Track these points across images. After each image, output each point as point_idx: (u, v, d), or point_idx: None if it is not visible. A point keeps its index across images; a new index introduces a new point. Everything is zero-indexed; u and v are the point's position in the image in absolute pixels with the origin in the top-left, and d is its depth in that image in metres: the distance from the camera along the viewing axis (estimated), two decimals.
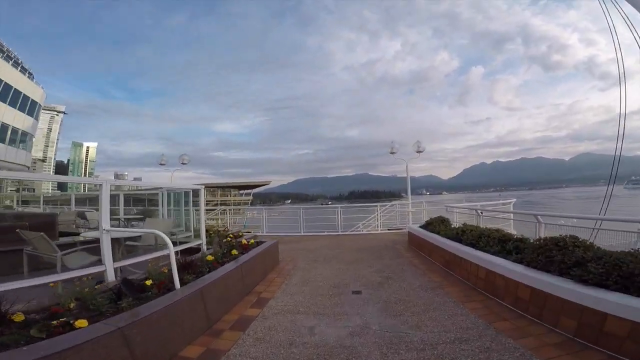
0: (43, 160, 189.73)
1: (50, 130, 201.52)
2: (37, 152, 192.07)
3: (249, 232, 11.03)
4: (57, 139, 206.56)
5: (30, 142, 35.44)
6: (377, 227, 12.22)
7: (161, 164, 15.36)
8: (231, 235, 8.12)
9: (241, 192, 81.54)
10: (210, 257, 5.30)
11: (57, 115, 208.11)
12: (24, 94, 30.75)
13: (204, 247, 6.82)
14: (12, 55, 30.51)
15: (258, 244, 7.34)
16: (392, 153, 13.46)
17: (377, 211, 12.35)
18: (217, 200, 77.25)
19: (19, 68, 31.00)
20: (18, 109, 30.47)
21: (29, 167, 39.31)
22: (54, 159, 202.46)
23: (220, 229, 9.52)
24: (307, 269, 6.96)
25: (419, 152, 13.35)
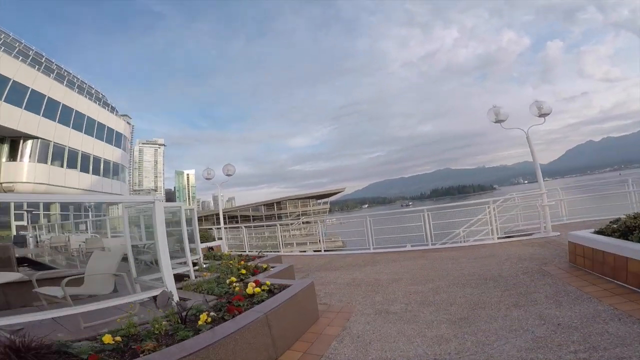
0: (155, 190, 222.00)
1: (156, 162, 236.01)
2: (149, 183, 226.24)
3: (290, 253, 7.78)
4: (163, 170, 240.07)
5: (123, 174, 38.87)
6: (491, 232, 7.73)
7: (207, 179, 13.32)
8: (243, 271, 5.05)
9: (319, 201, 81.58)
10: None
11: (159, 147, 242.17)
12: (108, 127, 33.66)
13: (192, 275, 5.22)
14: (92, 92, 33.41)
15: (279, 289, 3.98)
16: (498, 122, 8.86)
17: (490, 210, 7.76)
18: (299, 211, 78.51)
19: (101, 103, 33.86)
20: (105, 142, 33.42)
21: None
22: (163, 187, 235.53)
23: (230, 258, 6.60)
24: (370, 337, 3.28)
25: (543, 115, 8.51)
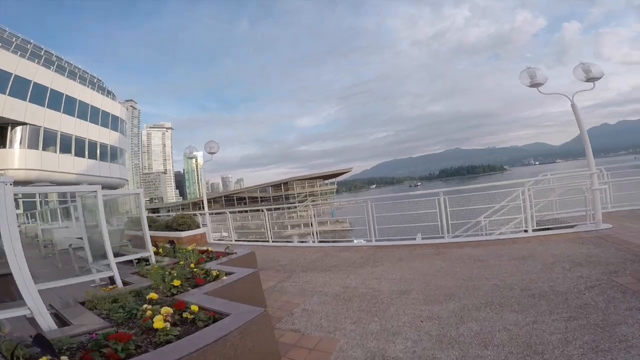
0: (165, 173, 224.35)
1: (164, 145, 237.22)
2: (158, 166, 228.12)
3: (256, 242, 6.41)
4: (172, 152, 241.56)
5: (122, 157, 37.84)
6: (524, 223, 6.11)
7: (190, 158, 11.96)
8: (176, 282, 3.62)
9: (325, 181, 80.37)
10: None
11: (167, 131, 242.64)
12: (102, 110, 32.34)
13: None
14: (86, 77, 31.99)
15: (207, 321, 2.53)
16: (534, 86, 7.07)
17: (524, 194, 6.01)
18: (306, 192, 77.46)
19: (95, 87, 32.46)
20: (101, 125, 32.20)
21: (127, 181, 42.75)
22: (172, 170, 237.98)
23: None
24: None
25: (591, 79, 6.73)
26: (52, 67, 26.92)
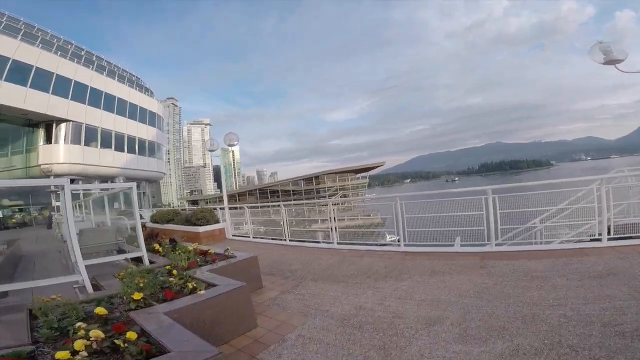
0: (204, 167, 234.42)
1: (204, 140, 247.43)
2: (198, 161, 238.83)
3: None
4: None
5: (160, 152, 39.21)
6: (597, 228, 4.75)
7: (211, 151, 11.53)
8: (137, 295, 2.87)
9: (357, 175, 78.97)
10: None
11: (206, 127, 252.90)
12: (140, 107, 33.51)
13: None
14: (125, 75, 33.28)
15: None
16: (609, 63, 5.64)
17: (598, 193, 4.56)
18: (337, 186, 76.75)
19: (134, 85, 33.68)
20: (139, 121, 33.42)
21: (164, 174, 44.41)
22: (211, 164, 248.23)
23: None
24: None
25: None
26: (91, 67, 28.13)
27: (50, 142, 25.05)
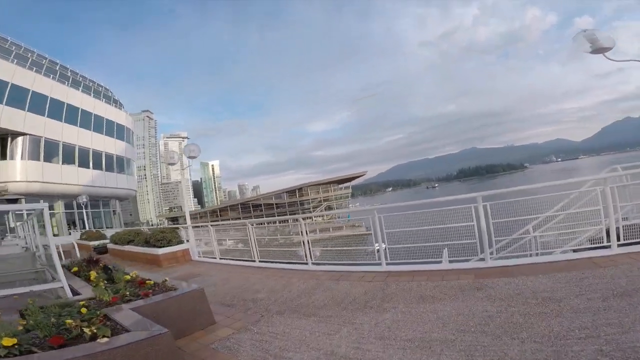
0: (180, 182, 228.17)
1: (181, 155, 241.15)
2: (176, 176, 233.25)
3: None
4: (189, 162, 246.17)
5: (129, 167, 37.13)
6: (605, 235, 4.13)
7: (170, 164, 10.50)
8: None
9: (340, 186, 78.65)
10: None
11: (183, 140, 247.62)
12: (107, 119, 31.67)
13: None
14: (91, 85, 31.58)
15: None
16: (597, 52, 5.17)
17: (602, 191, 3.91)
18: (320, 197, 75.97)
19: (101, 96, 31.96)
20: (105, 135, 31.54)
21: (135, 191, 42.09)
22: (190, 179, 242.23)
23: None
24: None
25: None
26: (52, 76, 26.38)
27: (5, 158, 23.02)
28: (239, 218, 79.33)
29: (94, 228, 29.63)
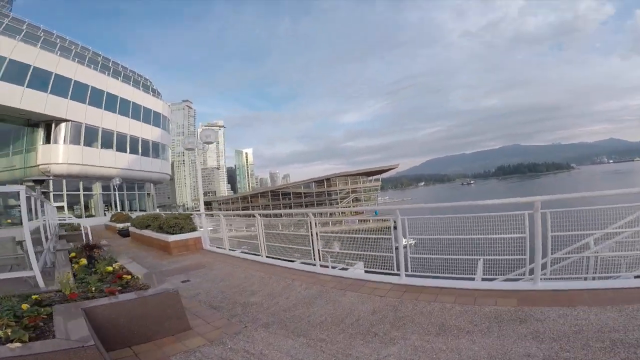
0: (218, 168, 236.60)
1: (218, 142, 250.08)
2: (212, 162, 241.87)
3: None
4: (224, 149, 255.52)
5: (165, 153, 38.45)
6: None
7: (188, 149, 10.22)
8: None
9: (370, 178, 76.84)
10: None
11: (219, 129, 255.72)
12: (144, 107, 32.75)
13: None
14: (130, 75, 32.73)
15: None
16: None
17: None
18: (349, 189, 74.85)
19: (140, 85, 33.07)
20: (143, 122, 32.65)
21: (169, 175, 43.64)
22: (225, 166, 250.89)
23: None
24: None
25: None
26: (93, 67, 27.49)
27: (50, 142, 24.47)
28: (269, 205, 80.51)
29: (129, 210, 31.10)
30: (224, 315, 3.68)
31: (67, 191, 26.18)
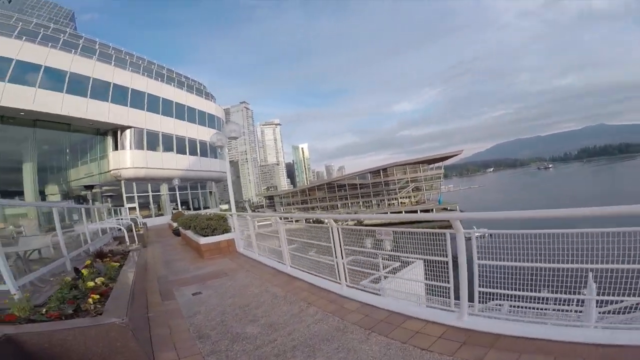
0: (277, 164, 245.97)
1: (275, 140, 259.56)
2: (272, 159, 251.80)
3: None
4: (282, 146, 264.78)
5: (222, 152, 40.06)
6: None
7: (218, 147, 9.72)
8: None
9: (431, 166, 72.05)
10: None
11: (276, 127, 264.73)
12: (198, 110, 34.26)
13: None
14: (183, 80, 34.40)
15: None
16: None
17: None
18: (408, 178, 71.17)
19: (193, 90, 34.70)
20: (198, 124, 34.20)
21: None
22: (284, 161, 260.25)
23: None
24: None
25: None
26: (147, 74, 29.29)
27: (118, 149, 26.68)
28: (325, 198, 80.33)
29: (193, 208, 32.90)
30: (204, 350, 2.72)
31: (137, 193, 28.44)
